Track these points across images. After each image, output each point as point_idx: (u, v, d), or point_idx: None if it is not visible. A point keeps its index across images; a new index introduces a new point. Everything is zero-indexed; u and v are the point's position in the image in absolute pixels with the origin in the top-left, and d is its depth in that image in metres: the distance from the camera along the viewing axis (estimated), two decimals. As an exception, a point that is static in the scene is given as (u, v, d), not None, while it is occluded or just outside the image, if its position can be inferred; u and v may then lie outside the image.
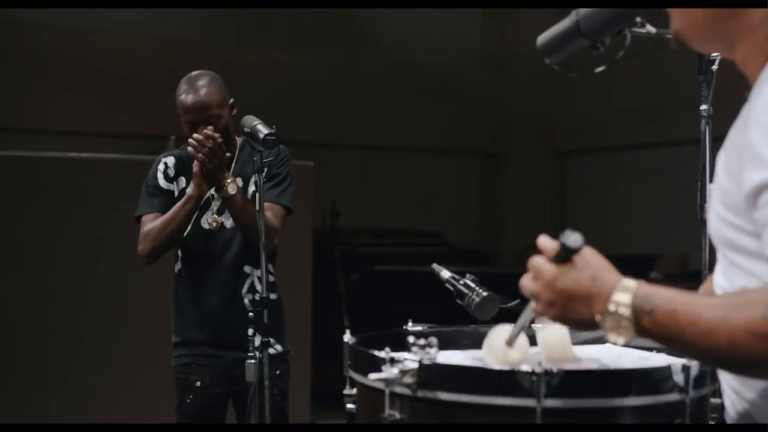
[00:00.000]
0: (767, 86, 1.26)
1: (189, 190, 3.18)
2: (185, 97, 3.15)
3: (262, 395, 2.95)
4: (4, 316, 4.46)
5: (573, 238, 1.31)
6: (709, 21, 1.36)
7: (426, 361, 1.53)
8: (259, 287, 3.23)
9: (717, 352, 1.18)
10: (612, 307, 1.26)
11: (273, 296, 3.24)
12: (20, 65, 8.52)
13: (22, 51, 8.54)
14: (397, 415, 1.57)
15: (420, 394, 1.53)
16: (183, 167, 3.28)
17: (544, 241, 1.38)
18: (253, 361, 2.93)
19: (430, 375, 1.53)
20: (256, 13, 9.80)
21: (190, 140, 3.08)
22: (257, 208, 2.98)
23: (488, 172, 11.68)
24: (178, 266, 3.34)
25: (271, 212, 3.17)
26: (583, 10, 1.69)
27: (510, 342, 1.55)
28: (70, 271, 4.55)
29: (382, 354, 1.58)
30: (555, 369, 1.46)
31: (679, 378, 1.51)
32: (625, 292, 1.26)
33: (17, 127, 8.46)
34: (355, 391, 1.75)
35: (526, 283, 1.38)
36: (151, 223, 3.22)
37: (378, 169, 10.78)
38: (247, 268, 3.29)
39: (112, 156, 4.92)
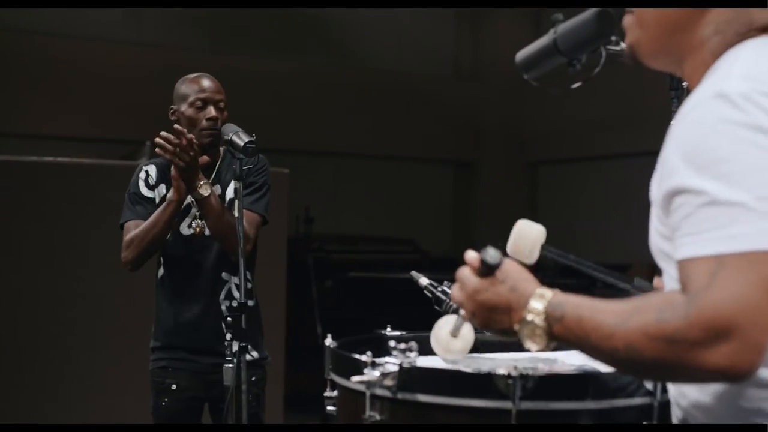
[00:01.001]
0: (690, 99, 1.30)
1: (169, 195, 3.21)
2: (200, 78, 3.27)
3: (239, 400, 2.99)
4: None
5: (492, 254, 1.38)
6: (664, 34, 1.40)
7: (406, 365, 1.59)
8: (236, 294, 3.27)
9: (617, 355, 1.22)
10: (528, 317, 1.32)
11: (250, 303, 3.27)
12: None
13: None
14: (378, 417, 1.62)
15: (400, 396, 1.59)
16: (164, 175, 3.30)
17: (471, 255, 1.44)
18: (230, 365, 2.96)
19: (410, 378, 1.58)
20: (232, 21, 9.82)
21: (157, 139, 3.10)
22: (236, 215, 3.02)
23: (461, 180, 11.76)
24: (160, 272, 3.37)
25: (245, 219, 3.19)
26: (560, 28, 1.75)
27: (454, 333, 1.61)
28: (47, 275, 4.55)
29: (364, 357, 1.63)
30: (530, 373, 1.52)
31: (648, 383, 1.58)
32: (539, 301, 1.32)
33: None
34: (335, 393, 1.80)
35: (455, 292, 1.44)
36: (134, 230, 3.24)
37: (352, 176, 10.83)
38: (224, 275, 3.32)
39: (86, 161, 4.91)
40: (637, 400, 1.58)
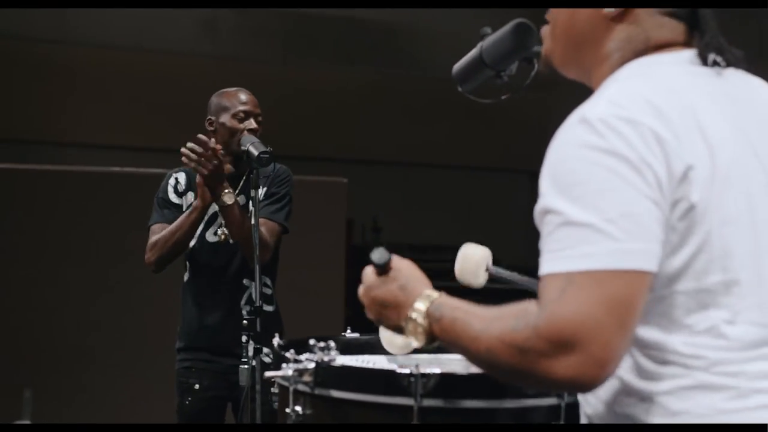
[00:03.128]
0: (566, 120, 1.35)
1: (194, 202, 3.35)
2: (240, 92, 3.43)
3: (254, 399, 3.11)
4: (30, 320, 4.65)
5: (378, 254, 1.46)
6: (572, 46, 1.45)
7: (321, 362, 1.67)
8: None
9: (480, 358, 1.29)
10: (413, 315, 1.39)
11: (268, 308, 3.39)
12: (73, 83, 8.87)
13: (74, 69, 8.89)
14: (301, 411, 1.71)
15: (317, 391, 1.68)
16: (192, 183, 3.42)
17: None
18: (246, 366, 3.08)
19: (326, 374, 1.67)
20: (301, 32, 10.01)
21: (183, 149, 3.22)
22: (252, 222, 3.14)
23: (536, 190, 11.68)
24: (186, 276, 3.53)
25: (264, 228, 3.30)
26: (486, 42, 1.80)
27: None
28: (81, 277, 4.71)
29: (288, 354, 1.72)
30: (432, 371, 1.59)
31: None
32: (424, 301, 1.39)
33: (66, 142, 8.86)
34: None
35: (359, 289, 1.51)
36: (159, 233, 3.41)
37: (425, 186, 10.88)
38: (246, 281, 3.43)
39: (155, 171, 5.10)
40: (545, 401, 1.62)
